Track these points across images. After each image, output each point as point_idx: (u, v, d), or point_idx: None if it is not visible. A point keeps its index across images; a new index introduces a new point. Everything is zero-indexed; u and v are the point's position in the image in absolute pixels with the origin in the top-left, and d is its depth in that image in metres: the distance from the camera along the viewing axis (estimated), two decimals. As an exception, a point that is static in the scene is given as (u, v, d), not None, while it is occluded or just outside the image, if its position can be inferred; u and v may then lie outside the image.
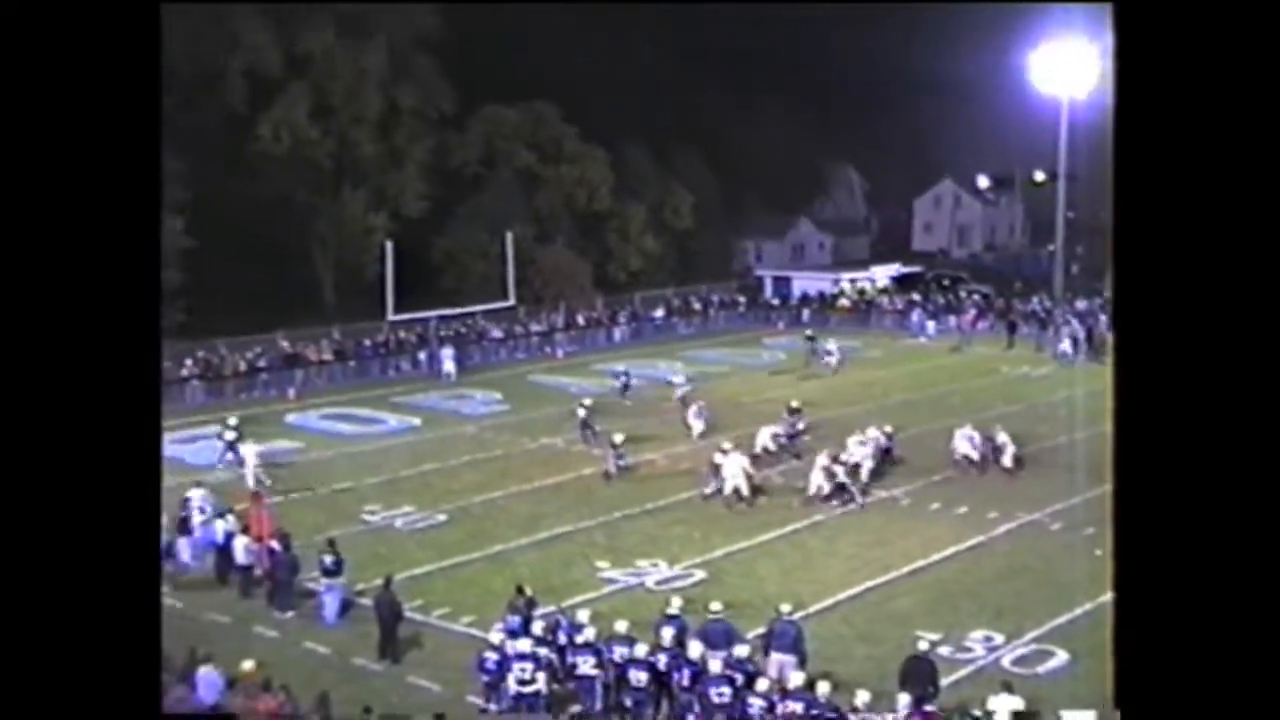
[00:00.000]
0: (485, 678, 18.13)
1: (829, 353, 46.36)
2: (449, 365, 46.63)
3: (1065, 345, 48.55)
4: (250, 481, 30.09)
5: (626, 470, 31.40)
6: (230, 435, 33.06)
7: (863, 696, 16.22)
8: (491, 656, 18.03)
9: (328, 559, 22.48)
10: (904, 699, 16.19)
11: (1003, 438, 30.98)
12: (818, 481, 28.68)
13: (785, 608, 19.50)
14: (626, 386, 41.46)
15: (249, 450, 31.82)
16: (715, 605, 19.52)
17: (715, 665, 17.12)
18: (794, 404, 34.64)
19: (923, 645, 18.16)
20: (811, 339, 48.91)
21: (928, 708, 16.04)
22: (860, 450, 29.98)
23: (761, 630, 19.41)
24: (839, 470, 28.93)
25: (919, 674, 17.41)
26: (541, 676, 17.58)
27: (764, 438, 32.28)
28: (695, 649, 17.72)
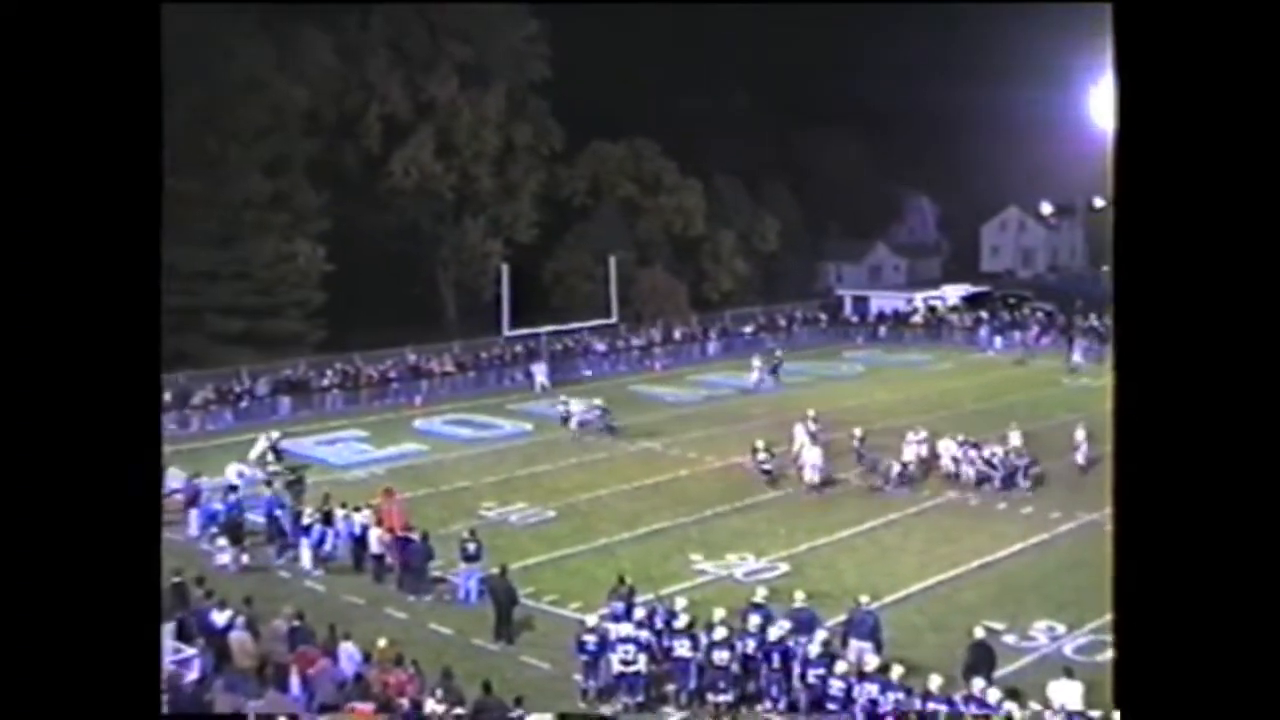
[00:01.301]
0: (583, 657, 18.25)
1: (756, 370, 45.94)
2: (540, 379, 46.43)
3: (1077, 356, 48.27)
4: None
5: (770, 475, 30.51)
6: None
7: (935, 681, 16.07)
8: (590, 639, 18.15)
9: (470, 546, 22.78)
10: (978, 684, 16.02)
11: (1079, 435, 30.45)
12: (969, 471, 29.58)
13: (864, 598, 19.39)
14: (566, 419, 38.35)
15: (260, 444, 32.44)
16: (800, 595, 19.46)
17: (814, 649, 17.16)
18: (811, 413, 33.80)
19: (979, 632, 17.92)
20: (779, 359, 48.09)
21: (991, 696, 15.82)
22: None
23: (841, 618, 19.32)
24: (995, 462, 29.57)
25: (980, 659, 17.20)
26: (642, 658, 17.70)
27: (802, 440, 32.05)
28: (775, 633, 17.74)
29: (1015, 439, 30.83)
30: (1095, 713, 15.23)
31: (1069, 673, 16.72)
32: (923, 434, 31.28)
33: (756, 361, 46.81)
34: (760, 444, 31.16)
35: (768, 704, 17.53)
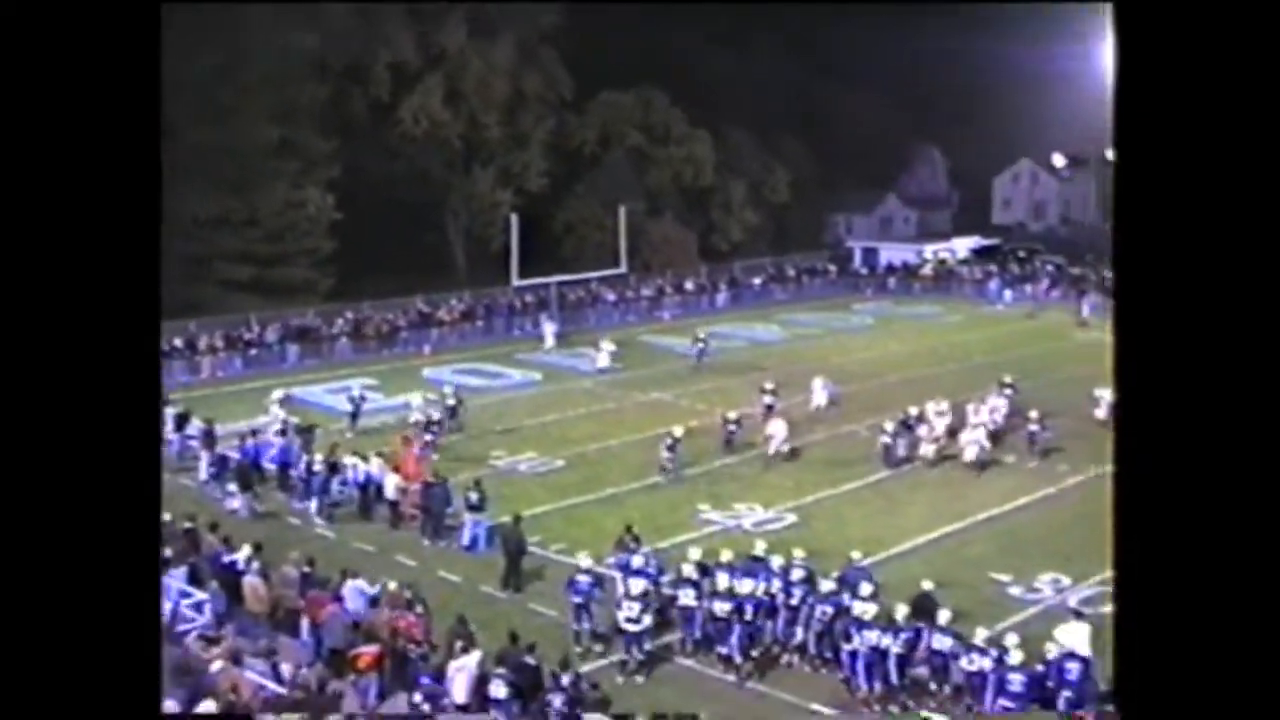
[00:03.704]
0: (576, 599, 18.30)
1: (605, 351, 41.35)
2: (549, 339, 45.22)
3: (1087, 310, 48.14)
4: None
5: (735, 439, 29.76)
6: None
7: (945, 616, 16.32)
8: (583, 579, 18.24)
9: (473, 496, 22.93)
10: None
11: (1100, 392, 28.97)
12: (974, 449, 27.79)
13: (856, 554, 19.33)
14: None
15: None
16: (799, 552, 19.18)
17: (828, 585, 17.73)
18: (769, 385, 32.76)
19: (926, 585, 18.05)
20: (704, 339, 42.49)
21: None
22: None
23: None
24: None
25: (921, 609, 17.28)
26: (647, 618, 17.53)
27: (819, 397, 32.66)
28: (776, 585, 18.00)
29: (1034, 413, 29.16)
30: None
31: (1077, 614, 16.87)
32: (944, 405, 29.90)
33: (606, 345, 41.34)
34: (733, 415, 29.95)
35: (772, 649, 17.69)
